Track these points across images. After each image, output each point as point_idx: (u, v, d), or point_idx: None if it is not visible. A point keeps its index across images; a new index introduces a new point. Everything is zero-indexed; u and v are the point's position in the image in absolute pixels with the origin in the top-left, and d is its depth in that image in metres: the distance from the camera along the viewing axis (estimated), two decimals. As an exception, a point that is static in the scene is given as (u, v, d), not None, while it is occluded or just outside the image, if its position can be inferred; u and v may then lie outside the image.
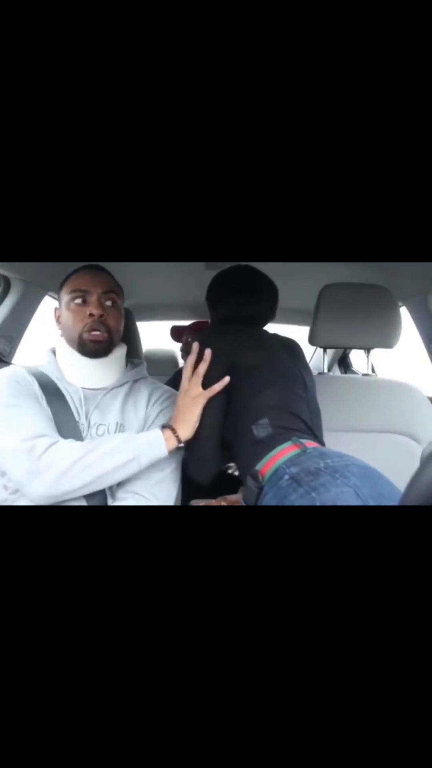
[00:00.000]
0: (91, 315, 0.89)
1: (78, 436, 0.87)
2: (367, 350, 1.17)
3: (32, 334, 1.32)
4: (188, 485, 1.26)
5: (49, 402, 0.89)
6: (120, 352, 0.97)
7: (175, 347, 2.30)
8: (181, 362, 2.21)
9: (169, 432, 0.85)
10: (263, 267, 1.05)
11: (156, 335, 2.41)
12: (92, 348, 0.90)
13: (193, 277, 1.53)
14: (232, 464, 1.55)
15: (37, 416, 0.84)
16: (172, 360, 2.26)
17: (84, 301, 0.90)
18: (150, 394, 0.97)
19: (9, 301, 1.21)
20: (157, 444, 0.84)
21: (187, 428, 0.87)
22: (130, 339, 1.18)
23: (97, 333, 0.89)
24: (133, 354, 1.14)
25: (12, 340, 1.23)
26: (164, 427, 0.87)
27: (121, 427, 0.91)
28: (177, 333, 1.90)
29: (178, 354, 2.28)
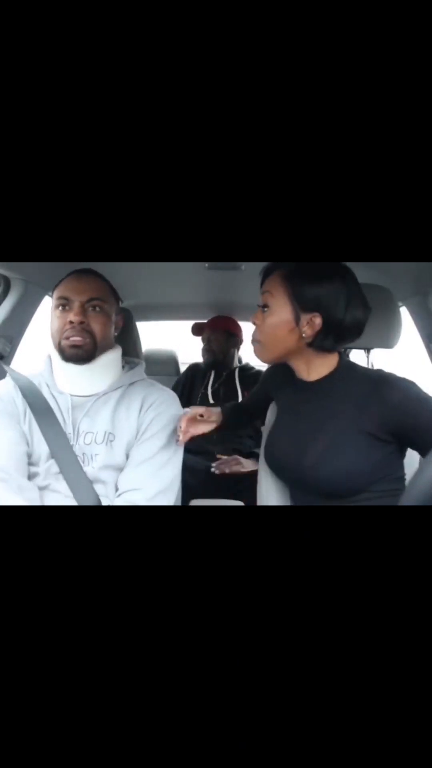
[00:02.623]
0: (71, 322, 0.88)
1: (66, 445, 0.87)
2: (367, 350, 1.17)
3: (32, 334, 1.32)
4: (188, 485, 1.26)
5: (35, 414, 0.89)
6: (109, 357, 0.94)
7: (176, 347, 2.30)
8: (182, 363, 2.21)
9: None
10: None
11: (156, 335, 2.41)
12: (71, 354, 0.89)
13: (193, 277, 1.52)
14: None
15: (6, 443, 0.86)
16: (173, 360, 2.25)
17: (66, 308, 0.89)
18: (144, 399, 0.93)
19: (9, 301, 1.21)
20: None
21: None
22: (130, 339, 1.18)
23: (75, 338, 0.88)
24: (132, 354, 1.13)
25: (12, 340, 1.22)
26: None
27: (110, 436, 0.89)
28: (198, 328, 1.92)
29: (179, 354, 2.28)
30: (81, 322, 0.88)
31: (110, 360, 0.94)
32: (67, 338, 0.88)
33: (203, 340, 1.88)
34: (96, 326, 0.90)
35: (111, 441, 0.89)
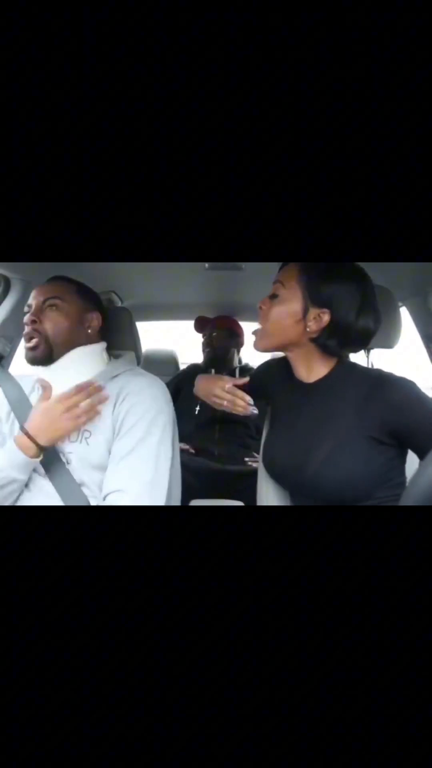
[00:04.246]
0: (26, 324, 0.88)
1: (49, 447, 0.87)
2: (367, 350, 1.17)
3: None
4: (188, 485, 1.26)
5: (18, 417, 0.89)
6: (76, 354, 0.91)
7: (176, 347, 2.30)
8: (182, 363, 2.21)
9: (23, 439, 0.82)
10: (264, 267, 1.05)
11: (156, 335, 2.41)
12: (29, 357, 0.89)
13: (193, 277, 1.52)
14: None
15: None
16: (173, 360, 2.25)
17: (28, 314, 0.90)
18: (119, 391, 0.88)
19: (9, 301, 1.20)
20: (13, 456, 0.82)
21: (45, 436, 0.83)
22: (130, 339, 1.18)
23: (30, 341, 0.88)
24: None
25: (12, 340, 1.22)
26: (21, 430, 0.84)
27: (84, 434, 0.86)
28: (201, 324, 1.89)
29: (178, 354, 2.28)
30: (33, 322, 0.88)
31: (78, 357, 0.92)
32: (26, 341, 0.89)
33: (205, 336, 1.88)
34: (48, 325, 0.89)
35: (86, 438, 0.87)
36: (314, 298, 0.78)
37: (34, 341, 0.88)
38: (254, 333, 0.87)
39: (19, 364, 1.25)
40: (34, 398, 0.93)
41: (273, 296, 0.82)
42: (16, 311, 1.21)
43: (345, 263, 0.79)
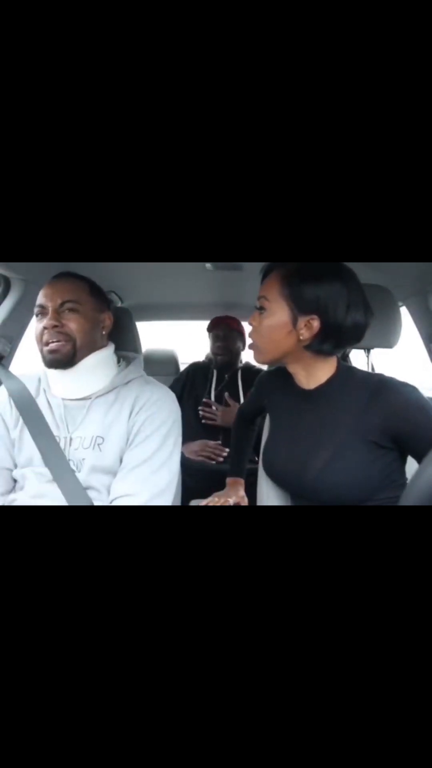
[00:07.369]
0: (45, 327, 0.88)
1: (57, 450, 0.86)
2: (367, 350, 1.17)
3: (32, 334, 1.31)
4: (188, 485, 1.27)
5: (27, 422, 0.89)
6: (96, 357, 0.92)
7: (176, 347, 2.30)
8: (182, 363, 2.21)
9: None
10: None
11: (156, 335, 2.41)
12: (51, 359, 0.88)
13: (193, 277, 1.52)
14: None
15: None
16: (173, 360, 2.25)
17: (42, 316, 0.89)
18: (135, 400, 0.90)
19: (9, 301, 1.20)
20: None
21: None
22: (130, 339, 1.18)
23: (52, 344, 0.87)
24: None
25: (12, 341, 1.22)
26: None
27: (98, 440, 0.87)
28: (215, 323, 1.87)
29: (179, 354, 2.28)
30: (55, 326, 0.87)
31: (98, 361, 0.93)
32: (46, 344, 0.88)
33: (216, 337, 1.87)
34: (73, 327, 0.88)
35: (99, 444, 0.87)
36: (300, 306, 0.77)
37: (58, 343, 0.87)
38: (250, 347, 0.87)
39: (18, 365, 1.26)
40: (41, 400, 0.92)
41: (260, 310, 0.82)
42: (16, 311, 1.21)
43: (324, 264, 0.78)
